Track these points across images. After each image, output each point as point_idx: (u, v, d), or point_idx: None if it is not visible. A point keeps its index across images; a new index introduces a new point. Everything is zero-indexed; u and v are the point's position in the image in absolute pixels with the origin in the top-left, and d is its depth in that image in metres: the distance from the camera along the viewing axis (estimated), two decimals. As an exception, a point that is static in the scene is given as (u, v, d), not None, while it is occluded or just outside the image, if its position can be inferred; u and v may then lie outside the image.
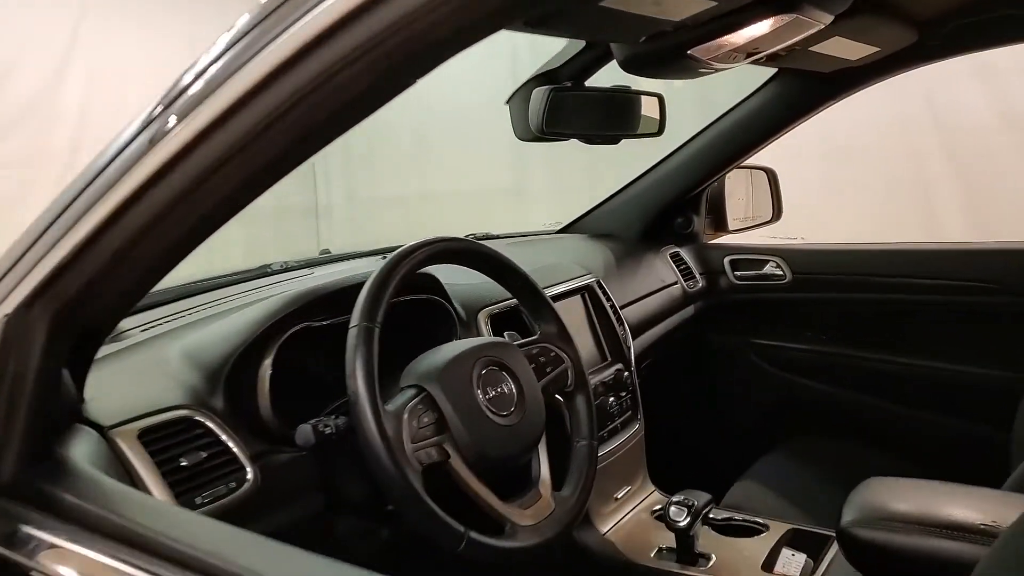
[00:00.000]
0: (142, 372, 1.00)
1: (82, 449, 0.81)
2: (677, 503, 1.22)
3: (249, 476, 0.93)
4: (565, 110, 1.23)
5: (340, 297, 1.10)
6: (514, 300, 1.34)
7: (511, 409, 0.99)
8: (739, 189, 2.08)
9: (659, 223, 1.99)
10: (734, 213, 2.07)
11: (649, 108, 1.37)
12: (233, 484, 0.92)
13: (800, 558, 1.24)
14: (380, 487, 0.86)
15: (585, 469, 1.08)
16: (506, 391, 1.00)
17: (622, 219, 2.01)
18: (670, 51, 1.07)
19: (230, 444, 0.94)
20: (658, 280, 1.85)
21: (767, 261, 1.96)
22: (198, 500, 0.88)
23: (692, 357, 2.04)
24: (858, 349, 1.87)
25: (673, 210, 1.99)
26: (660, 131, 1.41)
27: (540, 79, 1.27)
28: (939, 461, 1.60)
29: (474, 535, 0.89)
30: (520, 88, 1.27)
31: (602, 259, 1.78)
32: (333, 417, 0.98)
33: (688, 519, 1.21)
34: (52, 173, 4.39)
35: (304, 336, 1.06)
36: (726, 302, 2.00)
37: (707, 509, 1.24)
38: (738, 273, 1.99)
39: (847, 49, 1.40)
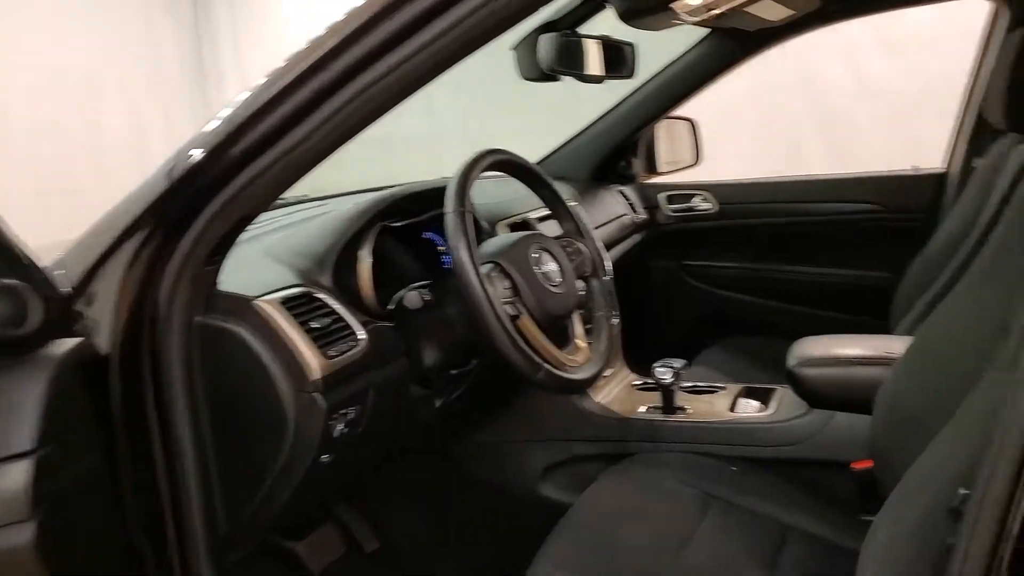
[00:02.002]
0: (258, 263, 1.21)
1: None
2: (662, 366, 1.55)
3: (361, 337, 1.18)
4: (568, 53, 1.52)
5: (407, 205, 1.36)
6: (522, 215, 1.64)
7: (558, 281, 1.28)
8: (667, 137, 2.43)
9: (605, 166, 2.31)
10: (663, 157, 2.43)
11: (625, 55, 1.68)
12: (352, 343, 1.16)
13: (754, 403, 1.60)
14: (480, 331, 1.13)
15: (607, 330, 1.38)
16: (552, 268, 1.29)
17: (572, 163, 2.31)
18: (658, 6, 1.38)
19: (344, 314, 1.18)
20: (610, 212, 2.18)
21: (695, 195, 2.34)
22: (332, 352, 1.12)
23: (639, 277, 2.39)
24: (771, 264, 2.28)
25: (616, 154, 2.31)
26: (632, 75, 1.72)
27: (543, 28, 1.55)
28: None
29: (547, 367, 1.17)
30: (527, 36, 1.55)
31: (566, 194, 2.08)
32: (425, 290, 1.24)
33: (672, 376, 1.54)
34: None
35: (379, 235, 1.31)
36: (664, 231, 2.36)
37: (683, 369, 1.58)
38: (672, 206, 2.36)
39: (772, 11, 1.76)
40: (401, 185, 1.49)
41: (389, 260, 1.35)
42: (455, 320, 1.27)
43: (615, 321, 1.55)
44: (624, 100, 2.23)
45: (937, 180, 2.05)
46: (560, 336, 1.33)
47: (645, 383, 1.76)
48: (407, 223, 1.37)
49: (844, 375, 1.41)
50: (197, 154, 0.90)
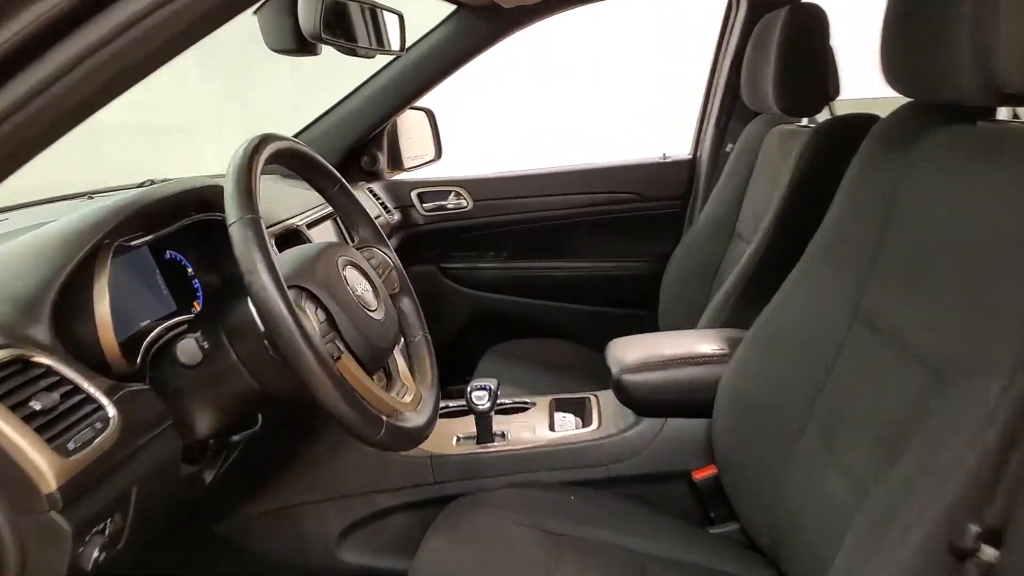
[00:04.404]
0: None
1: None
2: (477, 388, 1.33)
3: (111, 414, 0.80)
4: (336, 19, 1.21)
5: (146, 214, 0.97)
6: (285, 222, 1.31)
7: (376, 305, 0.99)
8: (409, 128, 2.20)
9: (348, 161, 2.01)
10: (407, 152, 2.20)
11: (392, 26, 1.41)
12: (99, 425, 0.78)
13: (571, 417, 1.44)
14: (304, 383, 0.81)
15: (430, 359, 1.12)
16: (367, 289, 0.99)
17: (309, 158, 1.98)
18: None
19: (81, 382, 0.78)
20: None
21: (450, 192, 2.14)
22: (71, 447, 0.74)
23: None
24: (532, 261, 2.17)
25: (360, 148, 2.03)
26: (403, 48, 1.46)
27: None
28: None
29: (390, 420, 0.89)
30: (274, -5, 1.21)
31: (312, 195, 1.76)
32: (198, 334, 0.88)
33: (489, 402, 1.32)
34: None
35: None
36: (419, 232, 2.13)
37: (498, 389, 1.37)
38: (426, 205, 2.14)
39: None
40: (131, 188, 1.07)
41: (126, 293, 0.95)
42: (239, 368, 0.92)
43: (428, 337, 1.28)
44: (364, 86, 1.96)
45: (688, 166, 2.09)
46: (379, 375, 1.05)
47: (445, 408, 1.52)
48: (146, 240, 0.98)
49: (672, 379, 1.32)
50: None
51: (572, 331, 2.09)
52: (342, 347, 0.90)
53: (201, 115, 3.48)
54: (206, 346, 0.87)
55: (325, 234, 1.45)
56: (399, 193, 2.12)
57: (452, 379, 2.15)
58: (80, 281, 0.85)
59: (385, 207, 2.02)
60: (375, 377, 0.97)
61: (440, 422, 1.46)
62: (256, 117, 3.35)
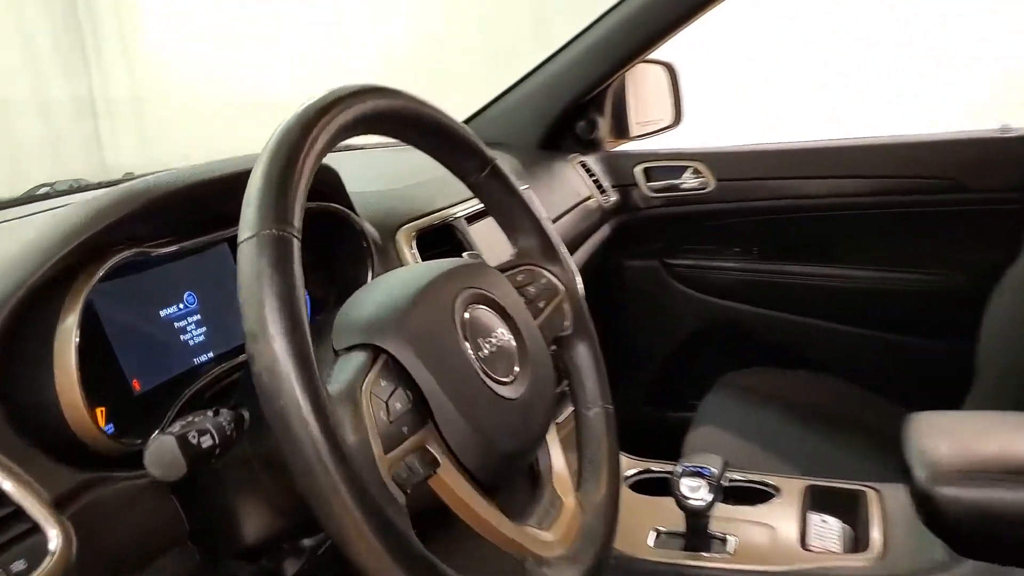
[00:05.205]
0: None
1: None
2: (690, 472, 0.90)
3: (53, 543, 0.49)
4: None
5: (186, 202, 0.64)
6: (441, 211, 0.96)
7: (515, 371, 0.60)
8: (638, 88, 1.78)
9: (559, 128, 1.64)
10: (637, 116, 1.78)
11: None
12: (20, 565, 0.47)
13: (835, 524, 0.96)
14: (334, 540, 0.45)
15: (609, 450, 0.71)
16: (503, 342, 0.60)
17: (516, 124, 1.64)
18: None
19: (7, 487, 0.48)
20: (574, 194, 1.51)
21: (686, 168, 1.68)
22: None
23: (608, 285, 1.74)
24: (794, 263, 1.66)
25: (574, 112, 1.64)
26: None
27: None
28: (900, 384, 1.41)
29: None
30: None
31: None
32: (209, 414, 0.54)
33: (711, 495, 0.89)
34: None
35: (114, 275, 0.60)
36: (642, 218, 1.71)
37: (724, 475, 0.93)
38: (653, 184, 1.70)
39: None
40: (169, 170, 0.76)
41: (166, 323, 0.65)
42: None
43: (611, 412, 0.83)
44: (585, 33, 1.56)
45: (1042, 145, 1.45)
46: (514, 482, 0.65)
47: (645, 472, 1.10)
48: (174, 249, 0.65)
49: (1014, 499, 0.79)
50: None
51: (843, 363, 1.57)
52: (439, 453, 0.52)
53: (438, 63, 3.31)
54: (207, 446, 0.53)
55: (489, 234, 1.07)
56: (620, 168, 1.70)
57: (669, 404, 1.73)
58: (40, 319, 0.54)
59: (599, 186, 1.62)
60: (497, 496, 0.58)
61: (633, 502, 1.05)
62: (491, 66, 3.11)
